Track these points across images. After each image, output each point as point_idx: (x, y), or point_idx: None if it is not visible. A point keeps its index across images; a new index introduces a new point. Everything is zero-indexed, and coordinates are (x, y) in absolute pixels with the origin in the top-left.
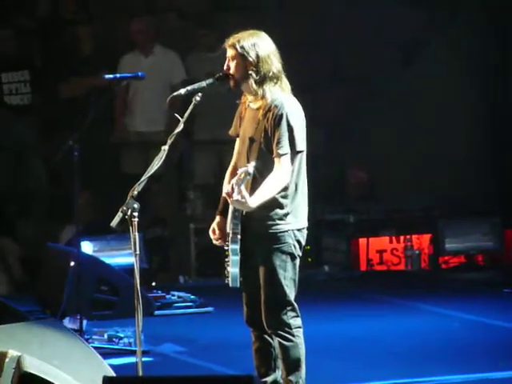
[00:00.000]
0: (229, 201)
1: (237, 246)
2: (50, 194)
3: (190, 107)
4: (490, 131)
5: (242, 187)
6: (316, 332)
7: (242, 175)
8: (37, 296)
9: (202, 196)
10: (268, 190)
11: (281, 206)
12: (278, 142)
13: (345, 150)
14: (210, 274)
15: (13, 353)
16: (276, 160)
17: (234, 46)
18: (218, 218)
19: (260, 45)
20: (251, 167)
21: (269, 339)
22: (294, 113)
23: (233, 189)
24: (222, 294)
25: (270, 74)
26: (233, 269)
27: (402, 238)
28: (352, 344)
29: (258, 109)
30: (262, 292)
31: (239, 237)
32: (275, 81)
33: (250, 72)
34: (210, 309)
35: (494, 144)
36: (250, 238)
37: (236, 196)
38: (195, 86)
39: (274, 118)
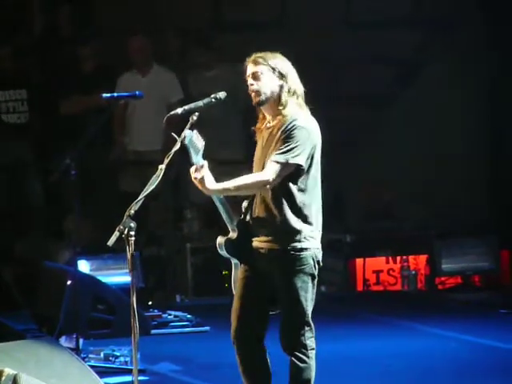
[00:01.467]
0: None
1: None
2: (48, 213)
3: (187, 126)
4: (487, 154)
5: (205, 167)
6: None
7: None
8: (33, 314)
9: (198, 216)
10: (236, 182)
11: (296, 222)
12: (278, 148)
13: (342, 169)
14: (207, 293)
15: (9, 371)
16: (270, 162)
17: (261, 63)
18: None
19: (284, 64)
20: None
21: (262, 355)
22: (307, 129)
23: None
24: (219, 313)
25: (295, 89)
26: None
27: (398, 258)
28: (348, 364)
29: (274, 126)
30: (282, 313)
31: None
32: (297, 98)
33: (282, 84)
34: (206, 328)
35: (491, 166)
36: (267, 256)
37: (196, 174)
38: (192, 105)
39: (284, 129)
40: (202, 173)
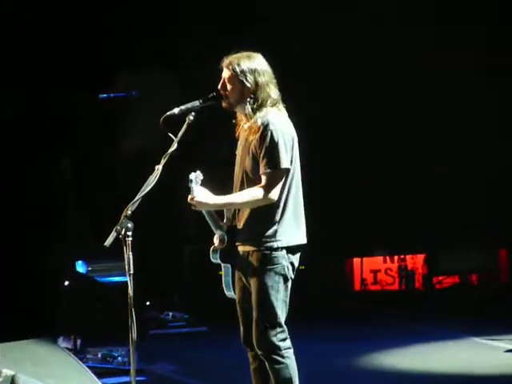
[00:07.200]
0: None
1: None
2: (45, 212)
3: (184, 126)
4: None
5: (202, 191)
6: (310, 350)
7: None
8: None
9: (196, 217)
10: (237, 197)
11: (271, 223)
12: (263, 159)
13: (335, 165)
14: (204, 294)
15: (7, 372)
16: (262, 177)
17: (233, 69)
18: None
19: (260, 71)
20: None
21: None
22: (280, 130)
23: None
24: (216, 313)
25: (268, 101)
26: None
27: (395, 257)
28: (346, 363)
29: (248, 129)
30: (254, 312)
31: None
32: (271, 106)
33: (248, 99)
34: (203, 328)
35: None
36: (243, 255)
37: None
38: (189, 104)
39: (259, 136)
40: (194, 200)
